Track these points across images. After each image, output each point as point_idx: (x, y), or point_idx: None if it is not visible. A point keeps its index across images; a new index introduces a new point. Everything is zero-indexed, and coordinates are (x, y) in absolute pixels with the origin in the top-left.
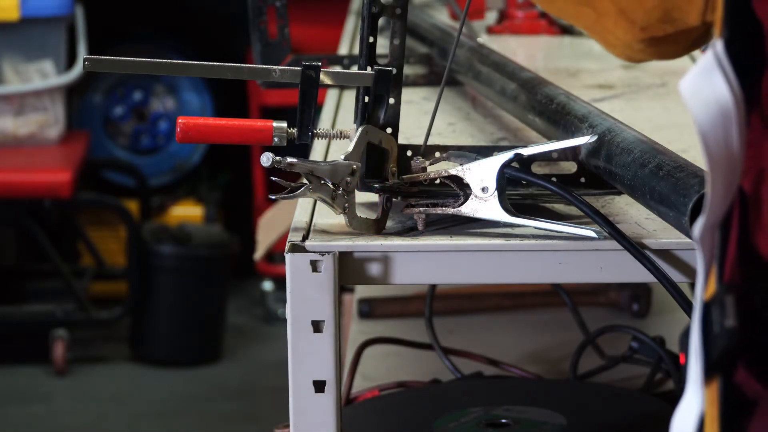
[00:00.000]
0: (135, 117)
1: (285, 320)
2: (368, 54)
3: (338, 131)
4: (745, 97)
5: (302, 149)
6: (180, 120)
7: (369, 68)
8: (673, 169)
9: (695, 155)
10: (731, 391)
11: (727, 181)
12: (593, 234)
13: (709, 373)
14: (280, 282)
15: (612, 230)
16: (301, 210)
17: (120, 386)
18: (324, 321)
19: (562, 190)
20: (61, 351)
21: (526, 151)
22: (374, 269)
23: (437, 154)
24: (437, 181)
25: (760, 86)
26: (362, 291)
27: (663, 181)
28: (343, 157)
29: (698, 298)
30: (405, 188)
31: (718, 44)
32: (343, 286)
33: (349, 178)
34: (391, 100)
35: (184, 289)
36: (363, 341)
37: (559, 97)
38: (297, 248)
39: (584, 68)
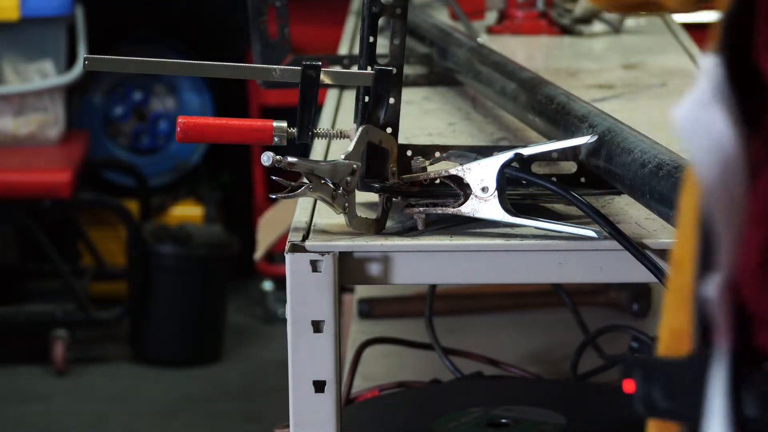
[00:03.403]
0: (135, 117)
1: (285, 320)
2: (368, 54)
3: (338, 131)
4: (746, 127)
5: (302, 149)
6: (180, 120)
7: (369, 68)
8: (673, 169)
9: None
10: None
11: (733, 223)
12: (593, 234)
13: None
14: (280, 282)
15: (612, 230)
16: (301, 210)
17: (120, 386)
18: (324, 321)
19: (562, 190)
20: (61, 351)
21: (526, 151)
22: (374, 269)
23: (437, 154)
24: (437, 181)
25: (764, 109)
26: (362, 291)
27: (663, 181)
28: (343, 156)
29: (727, 369)
30: (405, 188)
31: (715, 69)
32: (343, 286)
33: (349, 178)
34: (391, 100)
35: (184, 289)
36: (363, 341)
37: (559, 97)
38: (297, 248)
39: (584, 68)
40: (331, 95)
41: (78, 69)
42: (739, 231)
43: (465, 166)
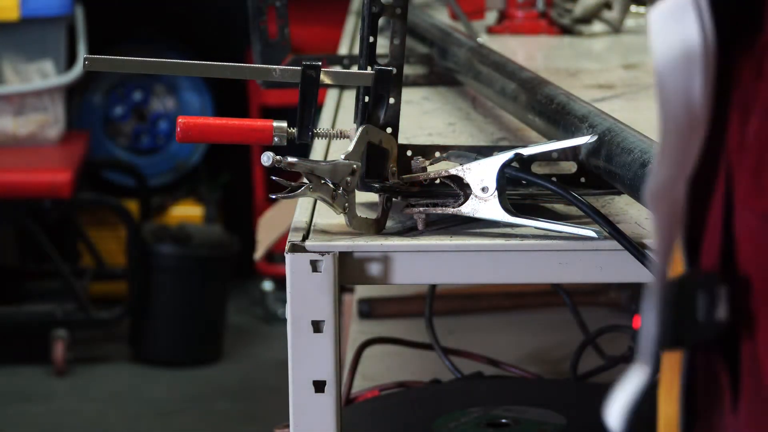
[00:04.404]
0: (135, 117)
1: (285, 320)
2: (368, 54)
3: (338, 131)
4: (722, 41)
5: (302, 149)
6: (180, 120)
7: (369, 68)
8: None
9: None
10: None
11: (684, 135)
12: (593, 234)
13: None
14: (280, 282)
15: (612, 230)
16: (301, 210)
17: (120, 386)
18: (324, 321)
19: (562, 190)
20: (61, 351)
21: (526, 151)
22: (374, 269)
23: (437, 154)
24: (437, 181)
25: (759, 29)
26: (362, 291)
27: None
28: (343, 156)
29: (659, 270)
30: (405, 188)
31: None
32: (343, 286)
33: (349, 178)
34: (391, 100)
35: (184, 289)
36: (363, 341)
37: (559, 97)
38: (297, 248)
39: (584, 68)
40: (331, 95)
41: (78, 69)
42: (687, 139)
43: (465, 166)
